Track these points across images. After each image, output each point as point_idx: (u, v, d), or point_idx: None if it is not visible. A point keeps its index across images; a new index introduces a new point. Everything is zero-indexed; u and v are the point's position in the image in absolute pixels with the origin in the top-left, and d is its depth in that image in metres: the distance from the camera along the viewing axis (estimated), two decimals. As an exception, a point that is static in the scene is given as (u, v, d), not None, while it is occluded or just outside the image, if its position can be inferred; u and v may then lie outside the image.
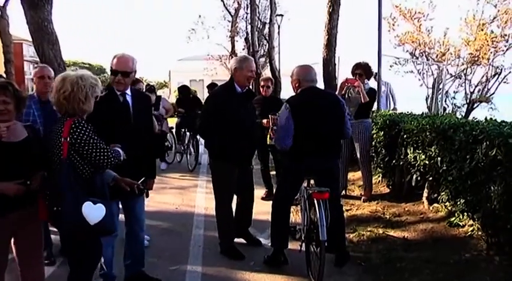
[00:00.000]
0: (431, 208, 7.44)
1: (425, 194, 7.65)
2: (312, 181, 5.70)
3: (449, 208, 6.93)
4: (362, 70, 8.67)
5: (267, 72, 30.47)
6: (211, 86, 13.36)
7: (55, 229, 5.65)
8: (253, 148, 6.50)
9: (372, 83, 9.71)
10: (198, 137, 13.14)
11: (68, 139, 3.69)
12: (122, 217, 5.16)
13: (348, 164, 9.14)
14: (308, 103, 5.51)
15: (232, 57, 34.81)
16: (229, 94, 6.04)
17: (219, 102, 6.01)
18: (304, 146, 5.44)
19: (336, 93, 8.41)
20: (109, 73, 4.95)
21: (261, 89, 9.00)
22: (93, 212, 3.67)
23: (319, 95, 5.66)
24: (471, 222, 6.30)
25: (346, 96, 8.64)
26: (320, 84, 12.85)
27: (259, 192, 8.43)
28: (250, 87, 7.12)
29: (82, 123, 3.75)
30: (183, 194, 9.84)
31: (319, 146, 5.44)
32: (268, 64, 28.35)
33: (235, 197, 6.47)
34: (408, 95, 19.55)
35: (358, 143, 8.64)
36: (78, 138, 3.70)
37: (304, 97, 5.58)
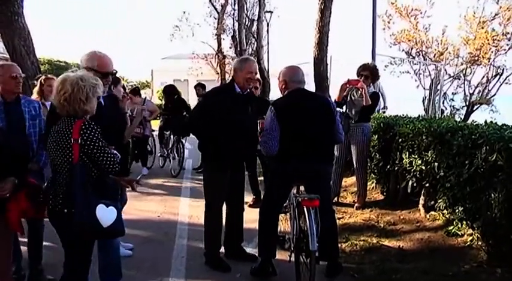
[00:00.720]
0: (428, 216, 7.45)
1: (421, 202, 7.66)
2: (301, 188, 5.69)
3: (447, 216, 6.95)
4: (369, 72, 8.63)
5: (255, 73, 30.55)
6: (199, 85, 13.42)
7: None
8: (250, 152, 6.45)
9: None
10: (183, 140, 13.10)
11: (79, 140, 3.80)
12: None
13: (343, 170, 9.13)
14: (295, 105, 5.51)
15: (218, 56, 34.88)
16: (227, 93, 6.07)
17: (213, 102, 6.01)
18: (291, 149, 5.43)
19: (336, 96, 8.44)
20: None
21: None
22: (106, 214, 3.83)
23: (307, 97, 5.65)
24: (470, 231, 6.31)
25: (348, 98, 8.64)
26: (311, 85, 12.96)
27: (246, 199, 8.40)
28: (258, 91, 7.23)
29: (92, 124, 3.88)
30: (166, 201, 9.79)
31: (307, 150, 5.42)
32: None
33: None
34: (404, 97, 19.60)
35: (355, 147, 8.61)
36: (88, 139, 3.82)
37: (291, 99, 5.58)
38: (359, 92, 8.49)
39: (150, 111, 12.32)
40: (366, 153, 8.73)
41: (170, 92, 13.59)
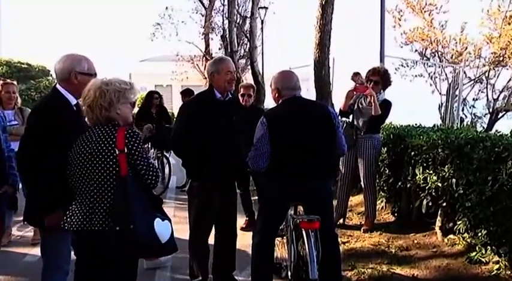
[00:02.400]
0: (446, 240, 7.46)
1: (438, 224, 7.68)
2: (300, 208, 5.70)
3: (469, 241, 6.95)
4: (379, 77, 8.62)
5: (248, 77, 30.53)
6: (187, 93, 13.18)
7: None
8: (240, 168, 6.43)
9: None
10: (166, 155, 13.05)
11: (126, 150, 3.95)
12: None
13: (350, 188, 9.13)
14: (290, 116, 5.54)
15: (206, 58, 34.81)
16: (207, 101, 6.07)
17: (194, 110, 6.02)
18: (288, 165, 5.45)
19: (341, 104, 8.48)
20: (54, 76, 4.98)
21: (241, 98, 8.87)
22: (163, 229, 3.99)
23: (304, 106, 5.68)
24: (496, 258, 6.31)
25: (355, 107, 8.66)
26: (311, 91, 12.99)
27: (238, 221, 8.37)
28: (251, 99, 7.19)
29: (136, 133, 4.05)
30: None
31: (305, 166, 5.45)
32: (249, 67, 28.40)
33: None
34: (417, 104, 19.66)
35: (363, 162, 8.61)
36: (132, 149, 3.99)
37: (286, 109, 5.61)
38: (367, 99, 8.50)
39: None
40: (374, 168, 8.75)
41: (148, 99, 13.57)
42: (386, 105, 8.60)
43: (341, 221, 9.02)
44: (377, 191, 9.22)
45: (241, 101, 8.83)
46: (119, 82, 4.18)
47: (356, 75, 8.71)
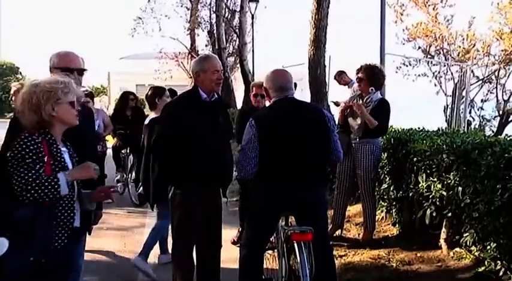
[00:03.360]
0: (451, 253, 7.47)
1: (443, 236, 7.68)
2: (291, 218, 5.69)
3: (476, 254, 6.95)
4: (365, 74, 8.58)
5: (236, 76, 30.55)
6: (169, 94, 13.08)
7: None
8: (225, 174, 6.43)
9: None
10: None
11: (9, 154, 4.01)
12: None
13: (347, 197, 9.12)
14: (281, 118, 5.55)
15: (192, 56, 34.81)
16: (192, 102, 6.07)
17: (177, 112, 6.01)
18: (278, 171, 5.46)
19: (336, 115, 8.49)
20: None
21: (253, 99, 8.79)
22: None
23: (296, 108, 5.69)
24: (508, 274, 6.30)
25: (349, 110, 8.69)
26: (306, 92, 13.00)
27: (227, 233, 8.34)
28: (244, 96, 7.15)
29: (28, 139, 4.01)
30: (126, 237, 9.80)
31: (297, 173, 5.46)
32: (238, 65, 28.40)
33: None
34: (420, 105, 19.68)
35: (360, 169, 8.60)
36: (11, 154, 3.97)
37: (276, 111, 5.63)
38: (360, 101, 8.57)
39: (104, 124, 12.27)
40: (373, 176, 8.75)
41: (123, 100, 13.55)
42: (383, 107, 8.57)
43: (338, 232, 9.01)
44: (377, 200, 9.23)
45: (253, 102, 8.81)
46: (49, 82, 4.16)
47: (339, 74, 8.78)
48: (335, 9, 12.09)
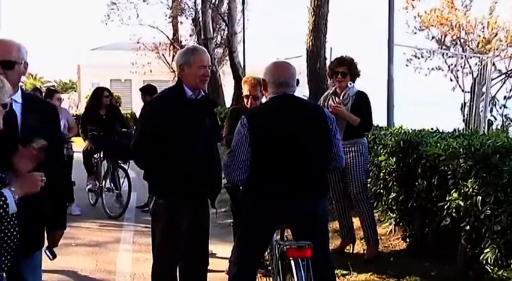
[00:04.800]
0: (470, 272, 7.47)
1: (460, 252, 7.69)
2: (287, 232, 5.71)
3: (499, 274, 6.96)
4: (346, 68, 8.71)
5: (225, 70, 30.52)
6: (148, 90, 12.95)
7: None
8: (213, 182, 6.42)
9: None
10: (124, 166, 12.94)
11: None
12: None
13: (348, 205, 9.13)
14: (277, 117, 5.56)
15: (174, 46, 34.77)
16: (176, 100, 6.05)
17: (159, 112, 6.01)
18: (272, 178, 5.47)
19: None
20: None
21: (245, 100, 8.28)
22: None
23: (294, 106, 5.70)
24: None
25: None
26: (304, 87, 13.02)
27: (216, 249, 8.33)
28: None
29: None
30: (99, 254, 9.79)
31: (294, 180, 5.46)
32: (227, 58, 28.39)
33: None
34: (434, 103, 19.65)
35: (351, 173, 8.65)
36: None
37: (271, 109, 5.64)
38: (337, 99, 8.70)
39: (69, 125, 12.26)
40: (365, 180, 8.86)
41: (97, 98, 13.40)
42: (363, 101, 8.73)
43: (350, 247, 9.03)
44: (383, 210, 9.23)
45: (245, 101, 8.33)
46: None
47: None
48: (337, -6, 12.09)
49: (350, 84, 8.74)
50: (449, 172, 7.49)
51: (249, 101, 8.07)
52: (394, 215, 9.37)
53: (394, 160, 8.92)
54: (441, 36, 22.21)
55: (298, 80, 6.06)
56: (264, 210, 5.55)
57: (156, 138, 5.88)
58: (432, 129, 9.52)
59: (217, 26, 32.93)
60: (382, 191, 9.31)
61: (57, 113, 5.36)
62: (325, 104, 8.73)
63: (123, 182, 12.91)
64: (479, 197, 6.78)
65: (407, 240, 9.02)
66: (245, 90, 8.16)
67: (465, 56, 21.78)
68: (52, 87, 12.51)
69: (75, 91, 57.14)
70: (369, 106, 8.78)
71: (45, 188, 4.43)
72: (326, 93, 9.06)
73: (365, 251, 8.93)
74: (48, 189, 4.62)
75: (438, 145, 7.88)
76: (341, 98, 8.66)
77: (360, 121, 8.48)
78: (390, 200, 9.19)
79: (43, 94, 13.47)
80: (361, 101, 8.64)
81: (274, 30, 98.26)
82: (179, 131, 5.86)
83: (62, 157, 5.84)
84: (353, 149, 8.61)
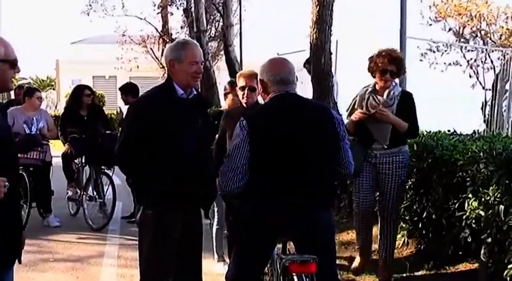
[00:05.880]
0: (492, 289, 7.48)
1: (480, 267, 7.68)
2: (290, 245, 5.71)
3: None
4: (396, 67, 8.30)
5: (220, 66, 30.52)
6: (129, 90, 12.91)
7: None
8: (207, 189, 6.41)
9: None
10: (108, 172, 12.87)
11: None
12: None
13: (371, 218, 8.83)
14: (278, 119, 5.55)
15: (163, 40, 34.75)
16: (165, 100, 6.06)
17: (146, 112, 6.01)
18: (273, 185, 5.46)
19: (347, 124, 7.85)
20: None
21: (239, 93, 8.02)
22: None
23: (297, 106, 5.69)
24: None
25: (364, 110, 8.34)
26: (307, 85, 13.02)
27: (209, 265, 8.30)
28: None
29: None
30: (80, 271, 9.77)
31: (297, 187, 5.45)
32: (222, 52, 28.39)
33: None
34: (452, 102, 19.64)
35: (388, 186, 8.33)
36: None
37: (272, 110, 5.64)
38: (379, 98, 8.26)
39: (47, 126, 12.25)
40: (401, 193, 8.59)
41: (77, 97, 13.31)
42: (410, 102, 8.39)
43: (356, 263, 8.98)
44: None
45: (240, 96, 8.06)
46: None
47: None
48: (344, -19, 12.10)
49: (395, 83, 8.46)
50: (468, 179, 7.51)
51: (245, 93, 7.77)
52: (407, 226, 9.37)
53: (407, 165, 8.92)
54: (459, 27, 22.21)
55: (296, 77, 6.03)
56: (264, 220, 5.52)
57: (142, 140, 5.89)
58: (449, 131, 9.53)
59: (212, 17, 32.90)
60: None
61: (5, 108, 5.39)
62: (364, 103, 8.34)
63: (107, 190, 12.85)
64: (502, 207, 6.80)
65: (422, 253, 8.99)
66: (240, 82, 7.87)
67: (486, 49, 21.77)
68: (27, 85, 12.46)
69: (53, 89, 57.02)
70: (414, 106, 8.46)
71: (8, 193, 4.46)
72: (363, 91, 8.49)
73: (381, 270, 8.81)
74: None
75: (456, 148, 7.88)
76: (385, 97, 8.27)
77: (407, 127, 8.14)
78: (402, 209, 9.18)
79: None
80: (408, 103, 8.36)
81: (274, 22, 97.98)
82: (164, 129, 5.89)
83: (17, 157, 5.79)
84: (397, 159, 8.29)
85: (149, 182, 6.01)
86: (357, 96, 8.58)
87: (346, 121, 7.95)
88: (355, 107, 8.48)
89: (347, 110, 8.61)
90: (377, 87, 8.39)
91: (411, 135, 8.46)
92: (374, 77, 8.43)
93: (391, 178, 8.30)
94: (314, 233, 5.53)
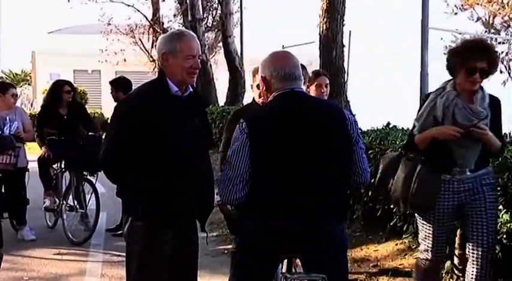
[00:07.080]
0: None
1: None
2: (296, 262, 5.71)
3: None
4: (488, 62, 6.92)
5: (218, 59, 30.56)
6: (121, 85, 12.84)
7: None
8: (203, 199, 6.39)
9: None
10: (91, 179, 12.82)
11: None
12: None
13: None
14: (283, 120, 5.53)
15: (154, 30, 34.81)
16: (158, 98, 6.05)
17: (138, 111, 6.00)
18: (276, 195, 5.44)
19: (418, 139, 7.18)
20: None
21: (255, 91, 7.78)
22: None
23: (304, 106, 5.67)
24: None
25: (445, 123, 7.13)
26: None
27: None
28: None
29: None
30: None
31: (304, 197, 5.43)
32: (221, 44, 28.43)
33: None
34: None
35: (478, 217, 7.18)
36: None
37: (276, 110, 5.62)
38: (469, 107, 6.89)
39: (24, 127, 12.27)
40: (495, 226, 7.40)
41: (56, 93, 13.19)
42: (499, 112, 7.21)
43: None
44: (411, 232, 9.09)
45: (256, 96, 7.78)
46: None
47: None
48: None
49: (482, 88, 7.13)
50: (499, 188, 7.48)
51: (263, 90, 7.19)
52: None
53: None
54: (489, 17, 22.30)
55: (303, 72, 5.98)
56: (267, 234, 5.44)
57: (131, 137, 5.87)
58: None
59: (208, 5, 33.00)
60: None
61: None
62: (450, 114, 6.97)
63: (89, 199, 12.82)
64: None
65: (446, 270, 8.95)
66: (257, 79, 7.14)
67: (519, 42, 21.83)
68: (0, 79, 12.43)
69: (28, 84, 57.17)
70: (500, 113, 7.21)
71: None
72: (445, 96, 7.00)
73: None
74: None
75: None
76: (478, 106, 6.91)
77: (500, 146, 7.06)
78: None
79: None
80: (497, 113, 7.12)
81: (279, 11, 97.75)
82: (155, 125, 5.88)
83: None
84: (487, 181, 7.12)
85: (139, 178, 5.97)
86: (431, 101, 7.17)
87: (416, 135, 7.20)
88: (436, 117, 7.09)
89: (417, 120, 7.29)
90: (458, 88, 7.03)
91: (499, 153, 7.36)
92: (453, 76, 7.16)
93: (484, 206, 7.11)
94: (323, 248, 5.49)
